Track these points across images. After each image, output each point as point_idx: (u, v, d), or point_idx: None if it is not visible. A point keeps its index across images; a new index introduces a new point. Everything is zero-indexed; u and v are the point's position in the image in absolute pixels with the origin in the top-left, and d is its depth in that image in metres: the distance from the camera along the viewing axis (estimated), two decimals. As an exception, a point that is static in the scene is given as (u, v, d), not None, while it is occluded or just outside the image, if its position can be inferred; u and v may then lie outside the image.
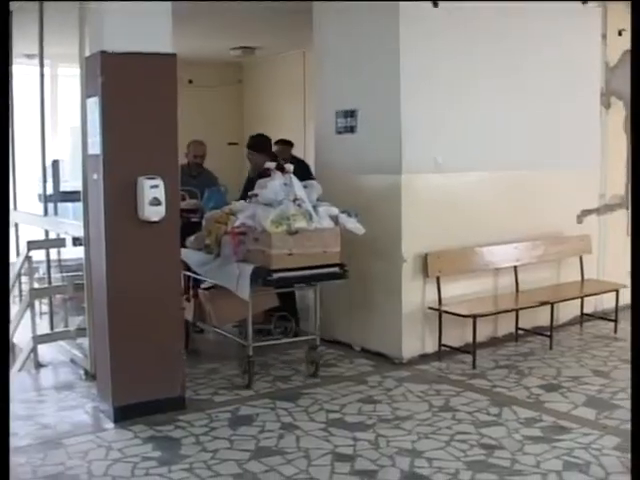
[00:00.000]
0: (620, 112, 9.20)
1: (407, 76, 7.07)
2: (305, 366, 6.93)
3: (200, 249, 7.08)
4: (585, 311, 8.60)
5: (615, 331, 8.25)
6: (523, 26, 7.82)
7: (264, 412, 5.90)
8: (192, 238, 7.25)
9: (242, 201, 7.01)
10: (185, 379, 6.13)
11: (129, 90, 5.61)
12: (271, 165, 6.73)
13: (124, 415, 5.73)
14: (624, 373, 6.84)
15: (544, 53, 8.03)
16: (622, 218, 9.28)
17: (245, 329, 6.69)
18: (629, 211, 9.32)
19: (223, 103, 14.23)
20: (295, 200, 6.37)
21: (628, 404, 5.99)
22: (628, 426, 5.57)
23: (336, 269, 6.51)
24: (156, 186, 5.59)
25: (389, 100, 7.15)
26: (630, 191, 3.67)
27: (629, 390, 6.30)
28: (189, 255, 7.14)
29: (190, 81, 13.24)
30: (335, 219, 6.59)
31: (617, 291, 8.28)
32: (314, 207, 6.50)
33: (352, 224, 6.62)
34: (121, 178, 5.59)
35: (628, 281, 8.96)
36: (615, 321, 8.29)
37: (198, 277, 7.26)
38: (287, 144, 9.75)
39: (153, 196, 5.58)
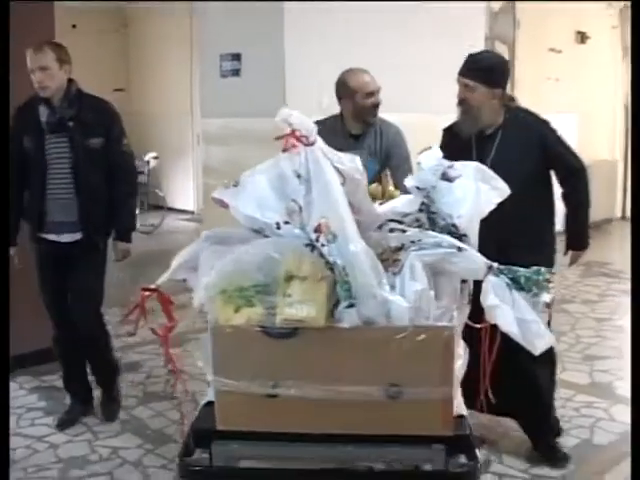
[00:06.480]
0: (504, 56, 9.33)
1: (291, 16, 7.01)
2: None
3: None
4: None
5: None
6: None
7: (150, 358, 5.88)
8: None
9: None
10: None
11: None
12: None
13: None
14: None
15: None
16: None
17: None
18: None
19: (108, 49, 13.90)
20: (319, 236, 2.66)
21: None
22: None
23: (440, 451, 2.67)
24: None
25: (273, 43, 7.08)
26: (630, 190, 3.70)
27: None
28: None
29: (74, 26, 12.86)
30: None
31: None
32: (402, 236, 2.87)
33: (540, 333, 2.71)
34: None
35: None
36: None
37: None
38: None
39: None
